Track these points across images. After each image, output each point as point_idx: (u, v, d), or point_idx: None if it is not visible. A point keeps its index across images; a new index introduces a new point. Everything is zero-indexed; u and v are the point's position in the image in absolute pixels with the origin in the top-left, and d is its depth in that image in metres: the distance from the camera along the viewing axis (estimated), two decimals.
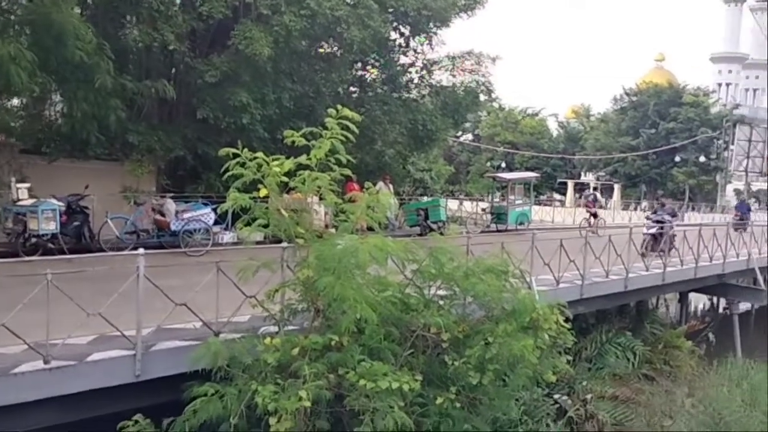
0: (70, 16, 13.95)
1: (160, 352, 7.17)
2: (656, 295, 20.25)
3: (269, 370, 6.66)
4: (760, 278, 20.11)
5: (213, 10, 16.30)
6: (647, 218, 20.45)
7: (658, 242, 17.03)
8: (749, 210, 32.55)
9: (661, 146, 59.64)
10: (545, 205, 48.73)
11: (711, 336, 21.23)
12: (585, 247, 13.51)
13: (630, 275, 14.60)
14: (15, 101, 17.71)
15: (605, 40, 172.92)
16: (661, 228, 17.83)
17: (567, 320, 8.13)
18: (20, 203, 13.44)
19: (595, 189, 38.09)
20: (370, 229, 7.92)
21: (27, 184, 14.08)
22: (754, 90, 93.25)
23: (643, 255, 16.12)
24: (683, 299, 23.12)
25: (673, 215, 19.82)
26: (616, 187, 60.16)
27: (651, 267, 15.76)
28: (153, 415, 7.16)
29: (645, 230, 18.24)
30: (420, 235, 20.00)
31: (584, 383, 13.28)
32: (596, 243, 14.31)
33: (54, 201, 13.58)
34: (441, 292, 8.20)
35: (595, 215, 25.67)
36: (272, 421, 6.14)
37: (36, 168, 15.97)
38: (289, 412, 6.09)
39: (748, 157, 64.10)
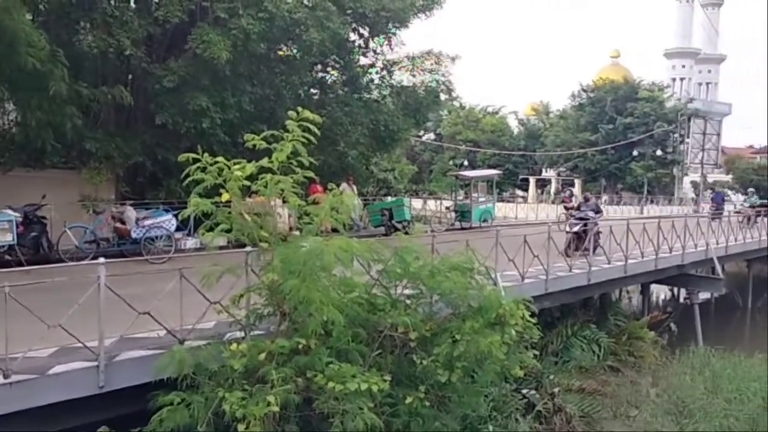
0: (22, 22, 13.61)
1: (123, 362, 7.06)
2: (619, 287, 20.59)
3: (236, 376, 6.61)
4: (718, 267, 20.61)
5: (169, 15, 16.07)
6: (570, 215, 19.22)
7: (582, 241, 15.85)
8: (724, 200, 34.06)
9: (619, 141, 60.75)
10: (508, 201, 49.35)
11: (673, 326, 21.61)
12: (548, 242, 13.67)
13: (593, 269, 14.82)
14: None
15: (561, 38, 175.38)
16: (585, 225, 16.51)
17: (533, 315, 8.21)
18: None
19: (571, 186, 39.25)
20: (335, 230, 7.90)
21: None
22: (707, 84, 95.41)
23: (567, 255, 14.96)
24: (645, 290, 23.56)
25: (598, 211, 18.06)
26: (577, 182, 61.07)
27: (574, 267, 14.63)
28: (119, 426, 7.06)
29: (567, 228, 16.77)
30: (385, 235, 20.04)
31: (551, 377, 13.43)
32: (559, 238, 14.50)
33: (10, 212, 13.30)
34: (407, 292, 8.23)
35: (573, 209, 26.88)
36: (240, 427, 6.09)
37: None
38: (258, 417, 6.05)
39: (703, 150, 65.54)
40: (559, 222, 23.47)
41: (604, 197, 55.69)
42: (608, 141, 61.30)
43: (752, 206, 31.83)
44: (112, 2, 16.33)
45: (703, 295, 23.02)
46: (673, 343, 19.27)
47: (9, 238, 12.95)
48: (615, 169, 62.65)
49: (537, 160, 67.69)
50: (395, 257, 7.99)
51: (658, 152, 60.46)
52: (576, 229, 16.18)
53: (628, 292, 25.00)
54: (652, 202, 54.87)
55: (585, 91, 67.09)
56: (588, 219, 16.94)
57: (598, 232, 16.58)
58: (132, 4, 16.98)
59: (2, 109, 17.44)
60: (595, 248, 15.85)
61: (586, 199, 19.01)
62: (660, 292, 30.08)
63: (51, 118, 14.96)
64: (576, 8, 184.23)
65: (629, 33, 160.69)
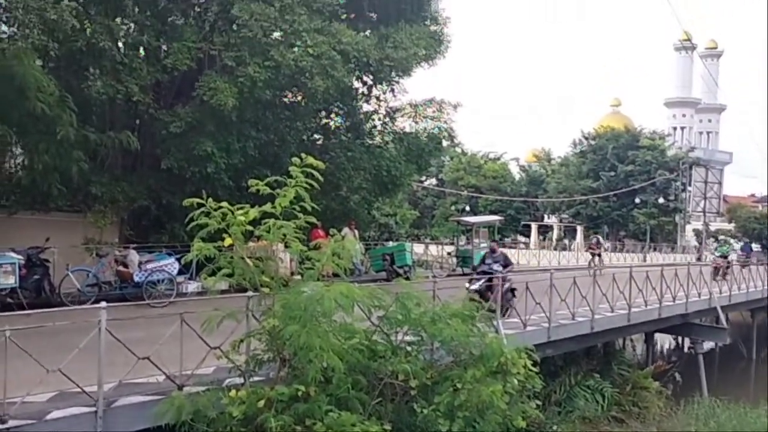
0: (32, 68, 13.86)
1: (122, 408, 7.00)
2: (622, 336, 20.42)
3: (234, 424, 6.55)
4: (722, 317, 20.43)
5: (177, 63, 16.37)
6: (473, 269, 15.75)
7: (486, 299, 12.14)
8: (752, 250, 36.77)
9: (620, 188, 60.98)
10: (510, 247, 49.25)
11: (677, 376, 21.37)
12: (550, 289, 13.63)
13: (596, 317, 14.74)
14: None
15: (563, 86, 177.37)
16: (490, 281, 13.56)
17: (535, 364, 8.17)
18: None
19: (596, 233, 39.53)
20: (336, 275, 7.91)
21: None
22: (708, 133, 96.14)
23: None
24: (649, 339, 23.34)
25: (506, 265, 14.60)
26: (579, 228, 61.11)
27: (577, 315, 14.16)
28: None
29: (467, 285, 13.59)
30: (386, 280, 19.97)
31: (554, 428, 13.24)
32: (561, 284, 14.44)
33: (13, 254, 13.31)
34: (408, 338, 8.20)
35: (599, 255, 28.94)
36: None
37: None
38: None
39: (705, 198, 65.66)
40: (589, 267, 25.17)
41: (607, 244, 55.62)
42: (610, 188, 61.55)
43: (723, 256, 28.90)
44: (122, 50, 16.64)
45: (708, 345, 22.75)
46: (678, 393, 19.00)
47: (11, 280, 12.93)
48: (617, 216, 62.75)
49: (539, 206, 67.90)
50: (396, 303, 7.99)
51: (660, 200, 60.56)
52: (477, 286, 13.30)
53: (632, 340, 24.79)
54: (655, 249, 54.80)
55: (586, 138, 67.64)
56: (493, 274, 13.85)
57: (511, 290, 13.84)
58: (141, 51, 17.31)
59: (9, 153, 17.61)
60: (507, 309, 13.35)
61: (492, 251, 15.47)
62: (664, 341, 29.80)
63: (58, 162, 15.10)
64: (578, 58, 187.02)
65: (630, 82, 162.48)
